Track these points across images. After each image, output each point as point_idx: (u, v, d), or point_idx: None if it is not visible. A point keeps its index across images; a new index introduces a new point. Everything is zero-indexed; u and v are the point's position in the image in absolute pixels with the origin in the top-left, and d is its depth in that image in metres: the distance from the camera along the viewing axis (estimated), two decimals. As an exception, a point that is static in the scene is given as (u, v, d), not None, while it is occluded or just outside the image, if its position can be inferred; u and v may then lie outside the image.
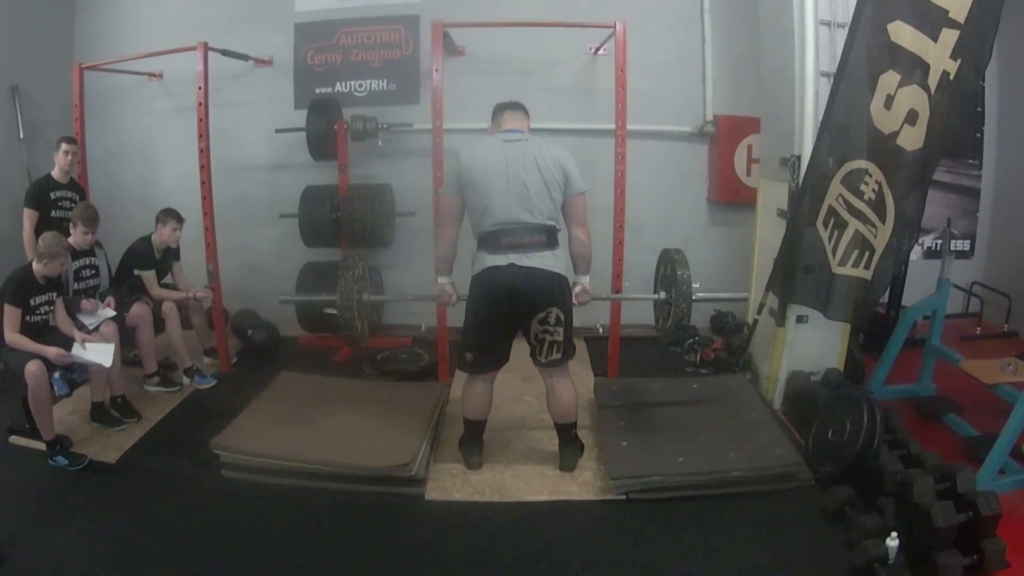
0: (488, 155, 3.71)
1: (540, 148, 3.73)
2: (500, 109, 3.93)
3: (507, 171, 3.64)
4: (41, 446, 4.12)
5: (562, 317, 3.78)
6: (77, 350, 4.18)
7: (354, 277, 4.36)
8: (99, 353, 4.29)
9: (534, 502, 3.75)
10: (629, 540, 3.45)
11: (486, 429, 4.17)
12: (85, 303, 4.66)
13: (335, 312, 4.32)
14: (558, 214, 3.77)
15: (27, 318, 4.17)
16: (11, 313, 4.10)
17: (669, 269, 4.32)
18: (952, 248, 4.99)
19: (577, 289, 3.94)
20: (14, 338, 4.09)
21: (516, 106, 3.93)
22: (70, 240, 4.75)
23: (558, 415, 4.04)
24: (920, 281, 5.51)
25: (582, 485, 3.89)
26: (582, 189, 3.81)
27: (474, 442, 4.14)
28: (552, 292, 3.73)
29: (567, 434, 4.09)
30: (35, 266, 4.20)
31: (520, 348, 3.97)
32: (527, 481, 3.92)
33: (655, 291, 4.55)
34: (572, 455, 4.08)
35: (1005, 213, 6.58)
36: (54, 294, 4.35)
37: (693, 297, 4.16)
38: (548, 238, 3.73)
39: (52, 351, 4.08)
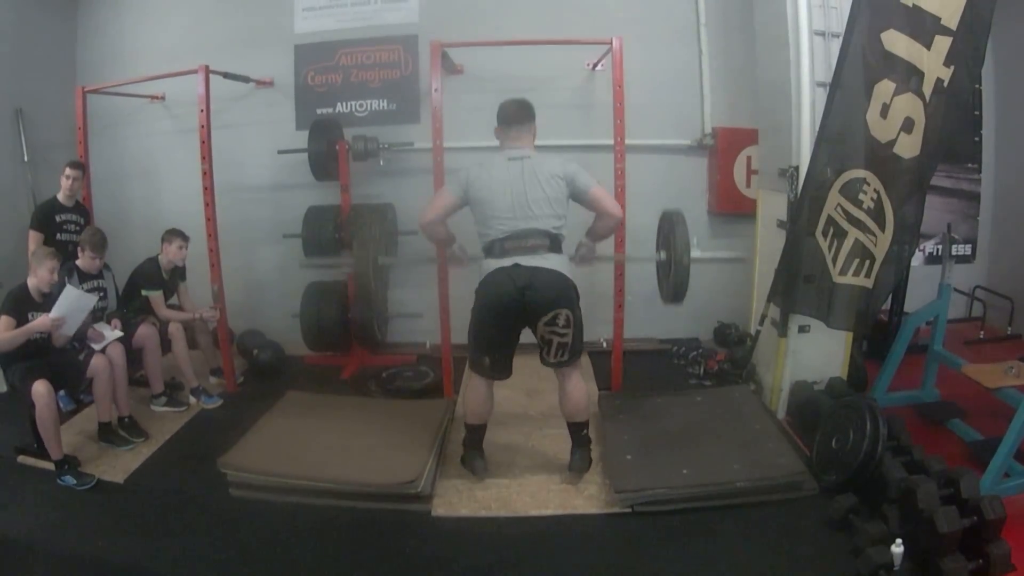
0: (494, 174, 3.89)
1: (542, 165, 3.90)
2: (505, 120, 4.02)
3: (512, 190, 3.80)
4: (49, 466, 4.14)
5: (571, 319, 3.83)
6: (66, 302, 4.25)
7: (370, 237, 4.35)
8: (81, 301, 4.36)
9: (540, 516, 3.76)
10: (634, 553, 3.46)
11: (492, 445, 4.20)
12: (91, 332, 4.67)
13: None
14: (562, 224, 3.90)
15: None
16: (4, 322, 4.14)
17: (668, 229, 4.36)
18: (953, 253, 5.00)
19: (583, 251, 4.25)
20: (2, 338, 4.11)
21: (520, 118, 4.02)
22: (78, 263, 4.81)
23: (568, 413, 4.08)
24: (922, 287, 5.52)
25: (587, 499, 3.90)
26: (591, 184, 3.96)
27: (476, 449, 4.16)
28: (559, 292, 3.80)
29: (578, 434, 4.11)
30: (29, 281, 4.26)
31: (521, 363, 4.01)
32: (532, 496, 3.92)
33: (656, 252, 4.56)
34: (583, 457, 4.09)
35: (1006, 216, 6.60)
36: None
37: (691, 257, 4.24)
38: (552, 243, 3.85)
39: (42, 320, 4.15)
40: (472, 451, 4.16)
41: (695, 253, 4.29)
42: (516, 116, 4.03)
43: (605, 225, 4.13)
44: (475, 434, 4.17)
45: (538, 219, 3.81)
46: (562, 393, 4.04)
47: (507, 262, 3.77)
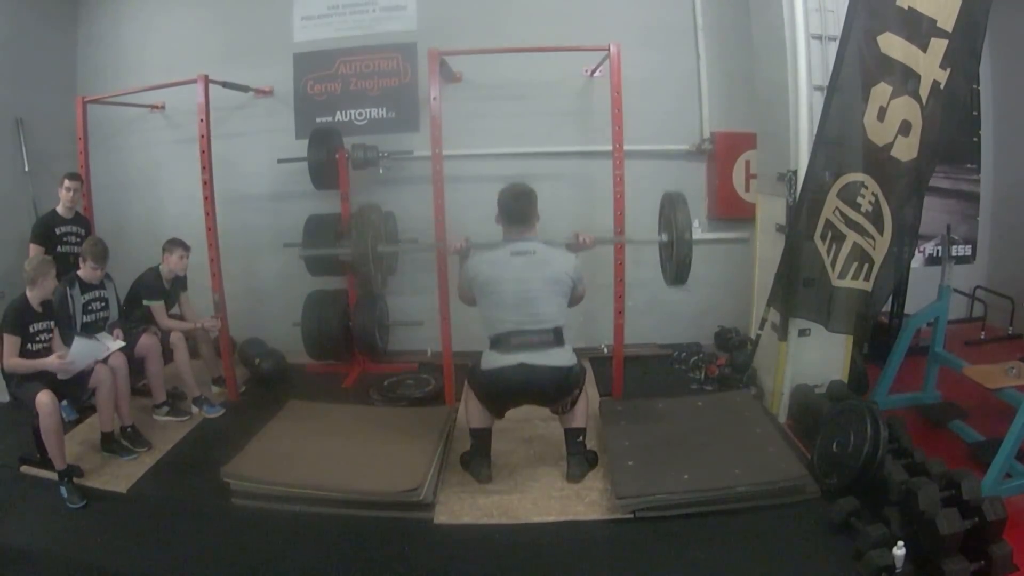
0: (498, 270, 3.98)
1: (549, 262, 4.01)
2: (507, 215, 4.09)
3: (517, 286, 3.92)
4: (52, 475, 4.13)
5: (577, 394, 4.07)
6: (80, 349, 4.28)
7: (368, 224, 4.37)
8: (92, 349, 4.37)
9: (542, 523, 3.76)
10: (636, 558, 3.47)
11: (493, 452, 4.22)
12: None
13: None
14: (565, 313, 4.03)
15: (28, 346, 4.22)
16: (10, 341, 4.15)
17: (670, 210, 4.36)
18: (953, 254, 5.01)
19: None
20: (13, 363, 4.15)
21: (525, 216, 4.08)
22: (79, 274, 4.82)
23: (564, 419, 4.15)
24: (922, 288, 5.52)
25: (589, 505, 3.90)
26: (583, 289, 4.14)
27: (482, 454, 4.18)
28: (564, 385, 3.98)
29: (574, 440, 4.16)
30: (28, 293, 4.27)
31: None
32: (534, 503, 3.92)
33: (658, 234, 4.60)
34: (578, 465, 4.14)
35: (1006, 216, 6.62)
36: (51, 322, 4.40)
37: (693, 237, 4.29)
38: (556, 337, 3.94)
39: (52, 360, 4.16)
40: (479, 458, 4.18)
41: (697, 235, 4.29)
42: (519, 214, 4.08)
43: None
44: (481, 439, 4.18)
45: (543, 317, 3.91)
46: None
47: (512, 360, 3.87)
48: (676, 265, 4.35)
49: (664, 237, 4.49)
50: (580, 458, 4.16)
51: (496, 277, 3.95)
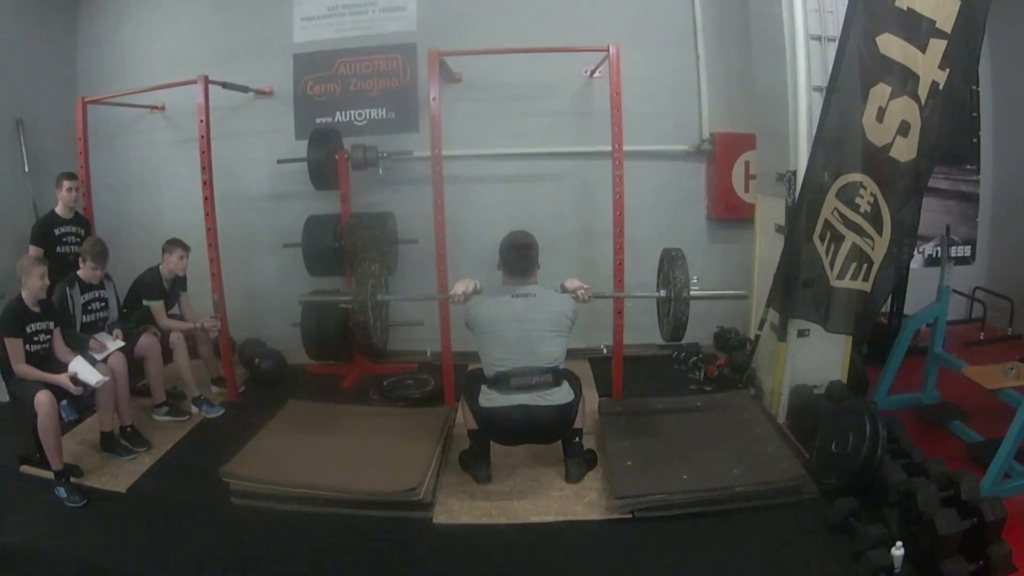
0: (500, 310, 4.02)
1: (548, 304, 4.06)
2: (509, 265, 4.13)
3: (517, 325, 3.95)
4: (52, 475, 4.14)
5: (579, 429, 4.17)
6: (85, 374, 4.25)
7: (368, 275, 4.37)
8: (95, 374, 4.33)
9: (540, 523, 3.76)
10: (635, 558, 3.47)
11: (492, 452, 4.22)
12: (92, 343, 4.70)
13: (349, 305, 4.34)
14: (564, 354, 4.05)
15: (26, 347, 4.23)
16: (13, 344, 4.16)
17: (668, 267, 4.36)
18: (953, 254, 5.01)
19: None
20: (23, 369, 4.16)
21: (526, 268, 4.13)
22: (79, 274, 4.83)
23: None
24: (922, 289, 5.52)
25: (588, 505, 3.90)
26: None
27: (481, 455, 4.19)
28: (564, 422, 4.04)
29: (571, 441, 4.17)
30: (23, 293, 4.27)
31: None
32: (533, 503, 3.93)
33: (657, 290, 4.57)
34: (577, 466, 4.16)
35: (1005, 217, 6.62)
36: (50, 323, 4.40)
37: (691, 293, 4.26)
38: (555, 377, 3.99)
39: (64, 378, 4.16)
40: (478, 458, 4.19)
41: (695, 291, 4.28)
42: (520, 267, 4.12)
43: None
44: (480, 441, 4.19)
45: (542, 358, 3.94)
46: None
47: (511, 401, 3.90)
48: (673, 322, 4.34)
49: (662, 293, 4.47)
50: (579, 459, 4.18)
51: (497, 317, 3.99)
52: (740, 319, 6.09)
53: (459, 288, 4.16)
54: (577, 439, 4.19)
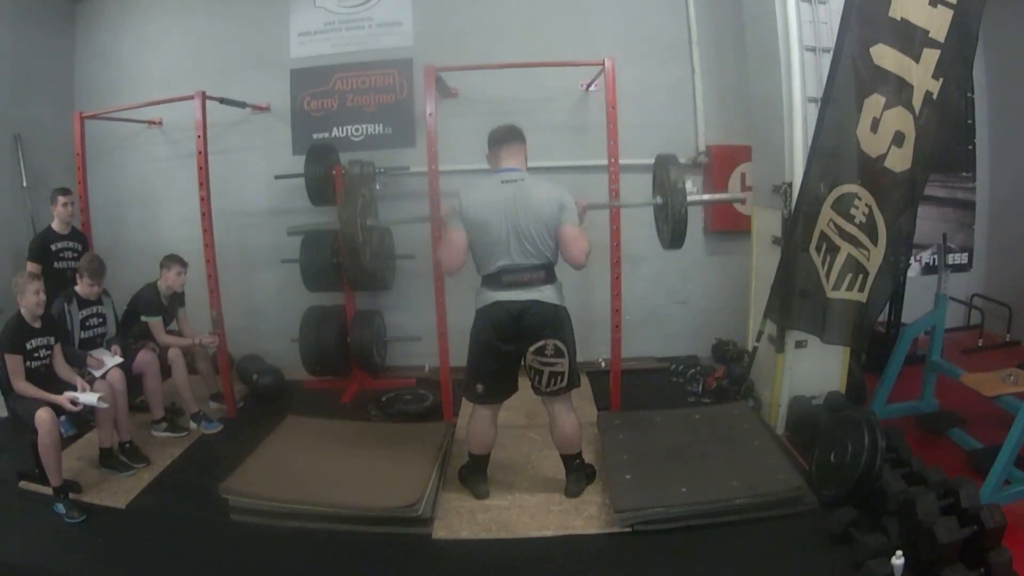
0: (487, 198, 3.85)
1: (537, 188, 3.87)
2: (497, 142, 4.01)
3: (505, 215, 3.78)
4: (50, 491, 4.12)
5: (563, 348, 3.87)
6: (85, 397, 4.24)
7: (358, 196, 4.32)
8: (96, 398, 4.32)
9: (540, 538, 3.76)
10: (635, 572, 3.46)
11: (492, 466, 4.23)
12: (91, 359, 4.70)
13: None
14: (555, 250, 3.89)
15: (27, 364, 4.22)
16: (13, 361, 4.16)
17: (663, 173, 4.33)
18: (950, 262, 5.01)
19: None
20: (23, 387, 4.16)
21: (512, 138, 4.01)
22: (77, 289, 4.84)
23: (560, 445, 4.15)
24: (919, 297, 5.51)
25: (587, 519, 3.89)
26: (573, 219, 3.88)
27: (479, 472, 4.20)
28: (550, 323, 3.86)
29: (571, 464, 4.16)
30: (22, 310, 4.27)
31: (522, 385, 4.03)
32: (533, 517, 3.93)
33: (653, 197, 4.54)
34: (577, 481, 4.15)
35: (1002, 224, 6.64)
36: (51, 339, 4.40)
37: (688, 200, 4.24)
38: (547, 274, 3.88)
39: (63, 398, 4.15)
40: (475, 476, 4.19)
41: (691, 197, 4.28)
42: (507, 135, 4.01)
43: (582, 261, 3.92)
44: (479, 462, 4.20)
45: (532, 252, 3.82)
46: (553, 426, 4.10)
47: (503, 296, 3.82)
48: (673, 224, 4.30)
49: (659, 200, 4.45)
50: (579, 475, 4.17)
51: (486, 208, 3.81)
52: (738, 331, 6.09)
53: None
54: (578, 460, 4.17)
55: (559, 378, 3.91)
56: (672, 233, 4.37)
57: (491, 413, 4.08)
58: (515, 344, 3.88)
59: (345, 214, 4.27)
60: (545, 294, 3.85)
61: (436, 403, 5.49)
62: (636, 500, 3.84)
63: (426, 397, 5.70)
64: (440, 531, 3.84)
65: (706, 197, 4.32)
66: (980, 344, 6.27)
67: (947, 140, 3.92)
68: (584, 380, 5.78)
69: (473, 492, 4.15)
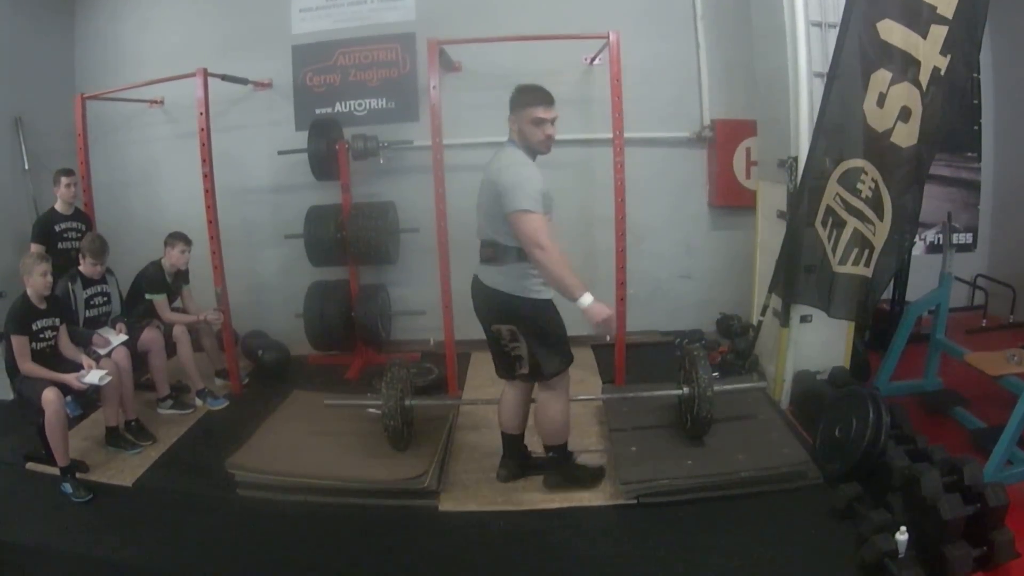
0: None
1: (491, 164, 3.63)
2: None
3: (480, 193, 3.64)
4: (57, 471, 4.15)
5: (516, 333, 3.60)
6: (89, 377, 4.25)
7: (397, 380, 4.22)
8: (102, 377, 4.34)
9: (546, 509, 3.78)
10: (640, 543, 3.49)
11: (495, 441, 4.18)
12: (96, 338, 4.71)
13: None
14: (502, 229, 3.50)
15: (32, 345, 4.23)
16: (19, 343, 4.17)
17: (690, 365, 4.24)
18: (954, 242, 5.00)
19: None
20: (29, 367, 4.17)
21: (511, 100, 3.68)
22: (80, 269, 4.84)
23: (540, 433, 3.96)
24: (924, 276, 5.51)
25: (593, 491, 3.92)
26: (512, 208, 3.38)
27: (509, 455, 4.08)
28: (492, 308, 3.64)
29: (547, 454, 3.98)
30: (28, 291, 4.27)
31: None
32: (539, 491, 3.94)
33: (678, 387, 4.34)
34: (551, 474, 3.98)
35: (1006, 204, 6.60)
36: (56, 319, 4.41)
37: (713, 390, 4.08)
38: (495, 252, 3.56)
39: (70, 378, 4.16)
40: (503, 458, 4.09)
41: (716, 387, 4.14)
42: (510, 98, 3.70)
43: (539, 268, 3.44)
44: (510, 443, 4.06)
45: (482, 227, 3.63)
46: (535, 412, 3.90)
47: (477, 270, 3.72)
48: (701, 420, 4.14)
49: (685, 390, 4.26)
50: (553, 472, 3.99)
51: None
52: (742, 305, 6.08)
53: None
54: (552, 454, 3.94)
55: (519, 363, 3.68)
56: (698, 425, 4.18)
57: (517, 393, 3.90)
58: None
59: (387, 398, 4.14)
60: (488, 275, 3.62)
61: (441, 377, 5.51)
62: (641, 472, 3.87)
63: (431, 371, 5.69)
64: (446, 503, 3.87)
65: (728, 387, 4.22)
66: (984, 324, 6.26)
67: (953, 118, 3.87)
68: (589, 353, 5.82)
69: (497, 472, 4.07)
